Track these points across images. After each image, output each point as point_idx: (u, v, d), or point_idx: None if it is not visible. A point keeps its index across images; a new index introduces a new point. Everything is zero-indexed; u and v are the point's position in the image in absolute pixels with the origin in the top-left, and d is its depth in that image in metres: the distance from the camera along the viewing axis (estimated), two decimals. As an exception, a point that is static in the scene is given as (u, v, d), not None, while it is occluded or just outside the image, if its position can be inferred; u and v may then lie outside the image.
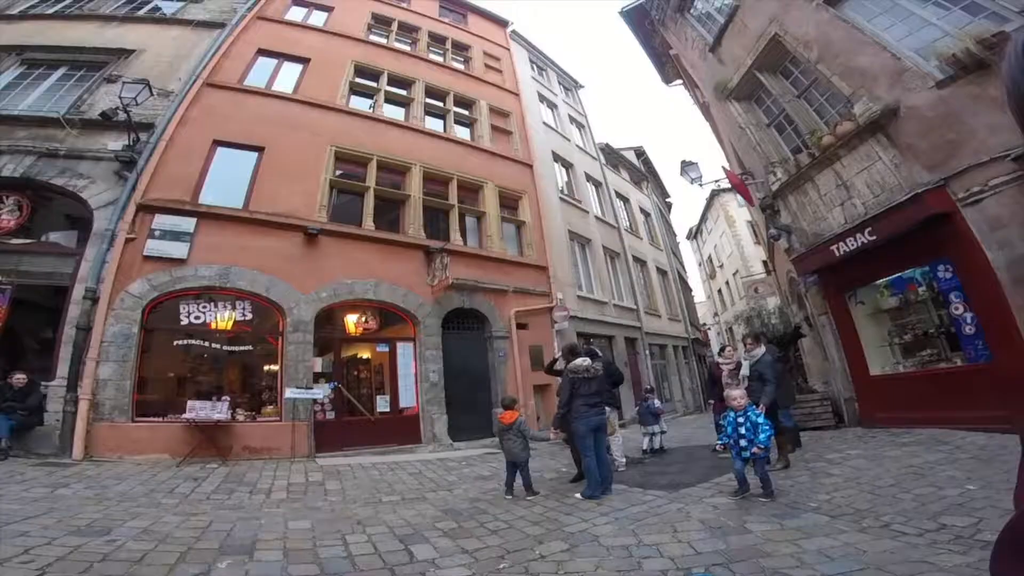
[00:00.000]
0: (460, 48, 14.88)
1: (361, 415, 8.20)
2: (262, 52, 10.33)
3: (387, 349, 9.02)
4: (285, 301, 7.80)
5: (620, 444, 6.23)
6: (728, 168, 10.84)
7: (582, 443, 4.85)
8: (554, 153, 15.22)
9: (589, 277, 14.33)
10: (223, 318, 7.50)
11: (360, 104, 11.03)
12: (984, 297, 5.53)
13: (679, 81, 14.25)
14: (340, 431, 7.85)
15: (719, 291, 33.62)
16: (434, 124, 12.13)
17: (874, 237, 6.55)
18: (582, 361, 5.06)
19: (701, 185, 9.86)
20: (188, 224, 7.57)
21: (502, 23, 17.38)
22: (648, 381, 14.06)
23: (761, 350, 5.55)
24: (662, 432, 7.48)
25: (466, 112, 13.16)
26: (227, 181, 8.33)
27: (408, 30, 13.92)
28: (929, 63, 6.06)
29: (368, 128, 10.47)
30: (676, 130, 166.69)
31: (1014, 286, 5.18)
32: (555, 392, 6.43)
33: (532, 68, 17.71)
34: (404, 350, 9.01)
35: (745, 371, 5.61)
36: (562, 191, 14.69)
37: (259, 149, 8.84)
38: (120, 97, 7.29)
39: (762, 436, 4.15)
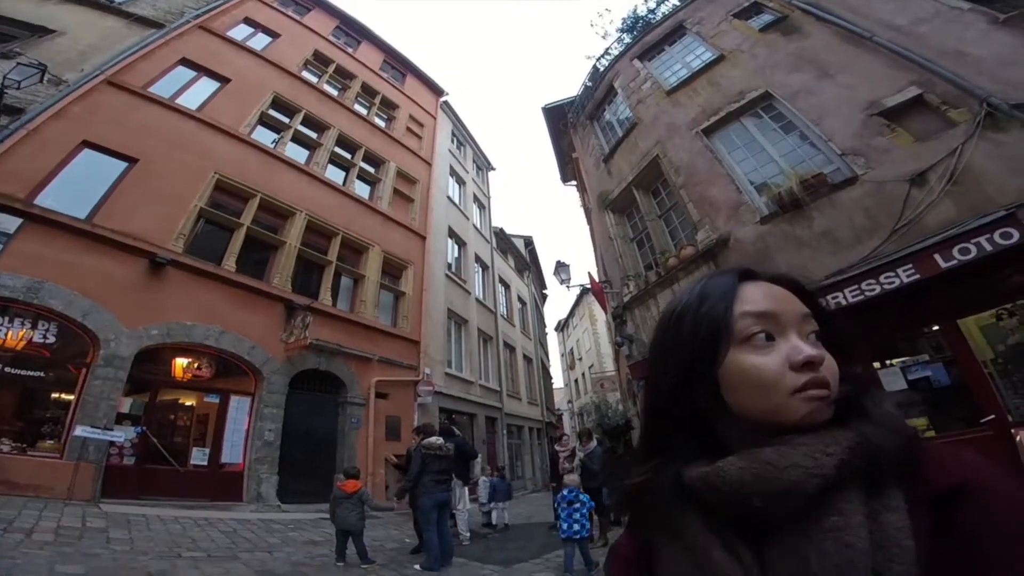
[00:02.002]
0: (388, 106, 15.38)
1: (168, 465, 7.11)
2: (185, 62, 9.88)
3: (217, 400, 8.15)
4: (103, 332, 6.78)
5: (466, 519, 6.48)
6: (593, 274, 12.33)
7: (426, 517, 5.00)
8: (451, 228, 15.90)
9: (461, 356, 14.67)
10: (14, 336, 6.26)
11: (263, 137, 10.75)
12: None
13: (574, 182, 16.13)
14: (138, 478, 6.79)
15: (576, 380, 36.21)
16: (335, 175, 12.13)
17: None
18: (435, 440, 5.35)
19: (568, 288, 11.10)
20: (10, 224, 6.50)
21: (438, 92, 18.32)
22: (502, 459, 14.34)
23: (593, 444, 6.56)
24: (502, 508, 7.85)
25: (372, 170, 13.39)
26: (79, 187, 7.42)
27: (343, 75, 14.20)
28: (760, 199, 7.47)
29: (262, 163, 10.18)
30: (564, 227, 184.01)
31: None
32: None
33: (452, 141, 18.61)
34: (239, 404, 8.28)
35: (577, 462, 6.37)
36: (450, 268, 15.26)
37: (132, 160, 8.11)
38: (4, 76, 6.55)
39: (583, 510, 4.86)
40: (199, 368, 8.14)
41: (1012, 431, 4.65)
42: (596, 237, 13.02)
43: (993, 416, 4.84)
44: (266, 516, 7.05)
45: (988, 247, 4.87)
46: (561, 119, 13.82)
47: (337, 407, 9.73)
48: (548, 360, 29.07)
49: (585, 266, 53.49)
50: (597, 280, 11.59)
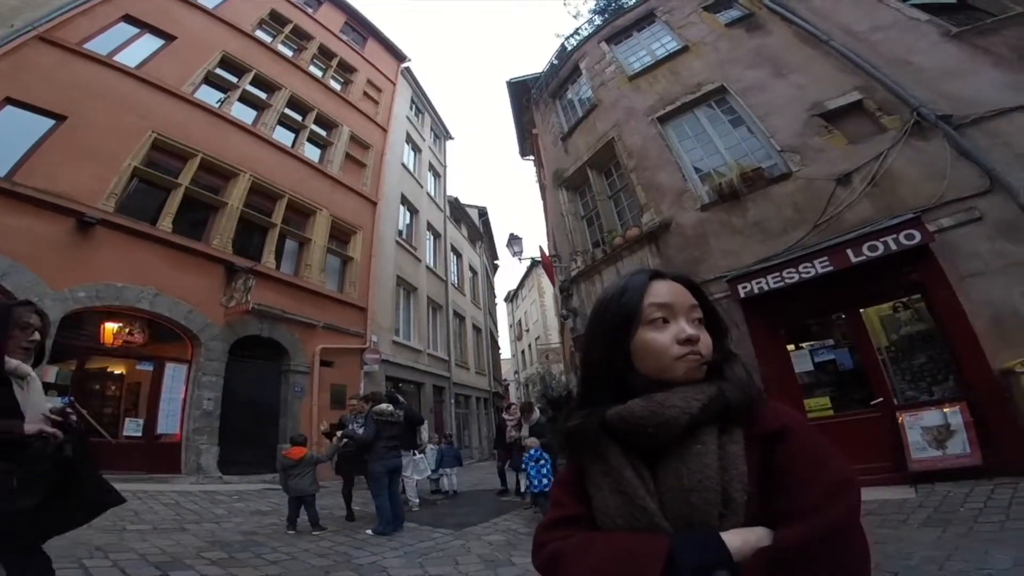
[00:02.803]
0: (346, 69, 14.95)
1: (100, 437, 6.90)
2: (127, 18, 9.20)
3: (151, 368, 7.90)
4: (25, 293, 6.35)
5: (414, 485, 6.79)
6: (544, 248, 12.65)
7: (378, 483, 5.19)
8: (403, 195, 15.77)
9: (409, 324, 14.76)
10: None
11: (208, 96, 10.22)
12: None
13: (532, 157, 16.35)
14: (66, 452, 6.48)
15: (523, 351, 37.18)
16: (284, 137, 11.73)
17: None
18: (386, 406, 5.51)
19: (520, 260, 11.36)
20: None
21: (399, 57, 17.85)
22: (450, 428, 14.79)
23: (536, 415, 7.02)
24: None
25: (324, 134, 13.04)
26: (-1, 145, 6.79)
27: (301, 36, 13.64)
28: (703, 187, 8.04)
29: (206, 123, 9.72)
30: (518, 200, 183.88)
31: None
32: None
33: (411, 108, 18.39)
34: (175, 372, 8.07)
35: (525, 432, 6.78)
36: (401, 234, 15.16)
37: (60, 118, 7.53)
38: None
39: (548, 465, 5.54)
40: (131, 333, 7.81)
41: (896, 413, 5.44)
42: (549, 212, 13.32)
43: (882, 399, 5.65)
44: (208, 488, 7.04)
45: (893, 246, 5.55)
46: (524, 94, 13.90)
47: (280, 375, 9.65)
48: (497, 331, 29.63)
49: (537, 239, 54.62)
50: (548, 254, 11.93)
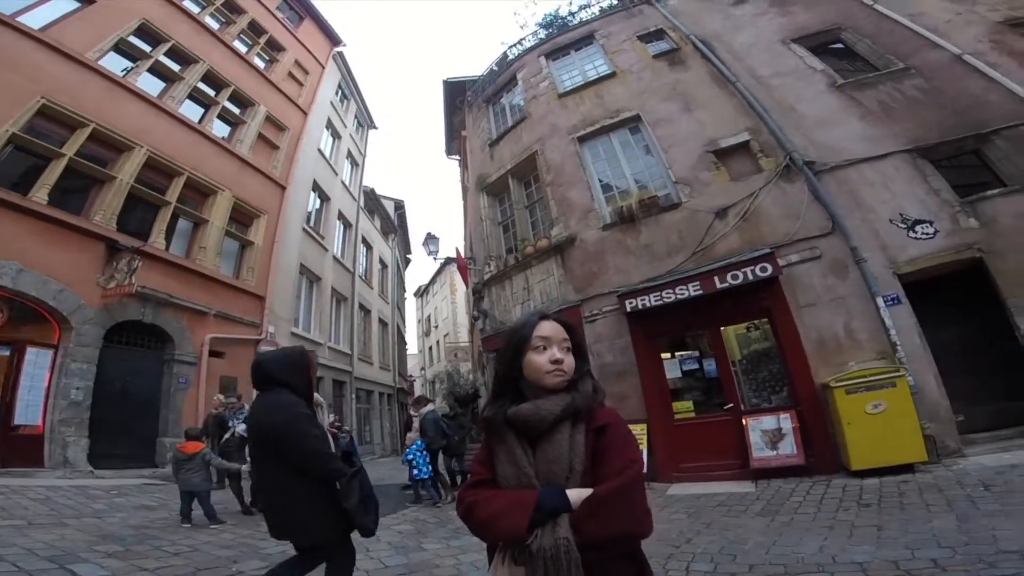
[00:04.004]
0: (274, 47, 14.49)
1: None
2: None
3: (8, 353, 7.26)
4: None
5: None
6: (461, 249, 13.14)
7: None
8: (316, 182, 15.49)
9: (310, 315, 14.50)
10: None
11: (115, 64, 9.58)
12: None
13: (457, 158, 16.85)
14: None
15: (430, 348, 37.35)
16: (193, 112, 11.20)
17: None
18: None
19: (435, 259, 11.75)
20: None
21: (334, 41, 17.56)
22: (350, 423, 14.78)
23: (426, 408, 7.65)
24: None
25: (238, 111, 12.56)
26: None
27: (232, 10, 13.02)
28: (607, 208, 8.94)
29: (105, 92, 9.10)
30: (438, 198, 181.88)
31: (599, 380, 8.09)
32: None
33: (337, 93, 18.26)
34: (38, 358, 7.50)
35: (415, 424, 7.48)
36: (308, 222, 14.86)
37: None
38: None
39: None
40: (-18, 312, 7.12)
41: (742, 418, 6.72)
42: (469, 215, 13.82)
43: (732, 404, 6.93)
44: (79, 483, 6.67)
45: (751, 276, 6.81)
46: (459, 95, 14.31)
47: (163, 364, 9.22)
48: (404, 326, 29.56)
49: (453, 237, 55.38)
50: (463, 256, 12.44)
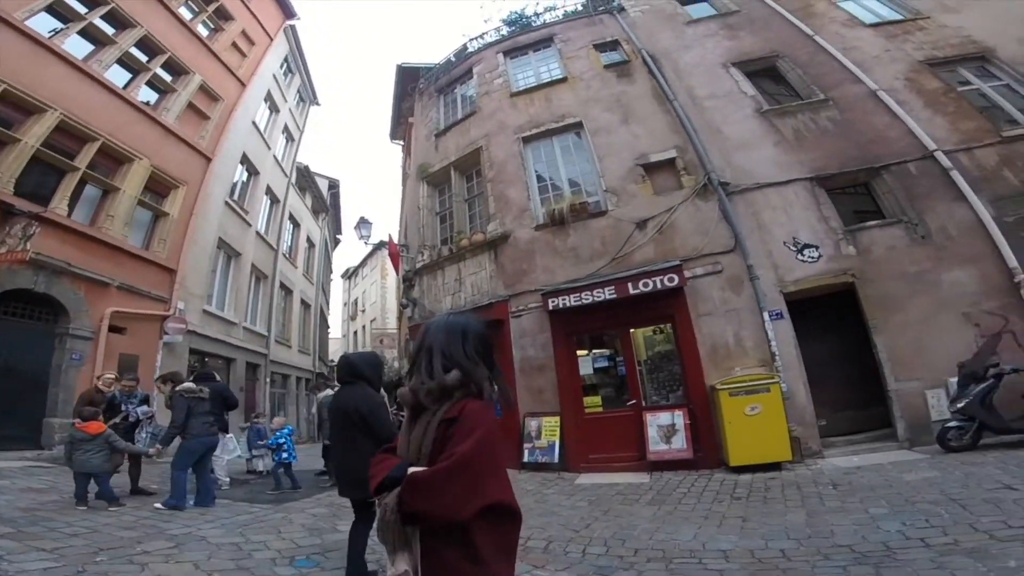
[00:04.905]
0: (222, 16, 13.99)
1: None
2: None
3: None
4: None
5: (224, 464, 7.00)
6: (394, 236, 13.23)
7: (185, 459, 5.41)
8: (245, 155, 15.04)
9: (225, 293, 14.03)
10: None
11: (41, 24, 9.03)
12: (504, 378, 8.92)
13: (401, 143, 16.82)
14: None
15: (355, 332, 36.73)
16: (119, 76, 10.70)
17: None
18: (190, 384, 5.74)
19: (367, 243, 11.78)
20: None
21: (288, 13, 17.16)
22: (263, 408, 14.49)
23: (324, 393, 7.74)
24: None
25: (170, 79, 12.04)
26: None
27: None
28: (541, 209, 9.44)
29: (26, 52, 8.54)
30: (376, 180, 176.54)
31: (520, 373, 8.75)
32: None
33: (282, 66, 17.85)
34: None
35: (314, 409, 7.49)
36: (232, 195, 14.35)
37: None
38: None
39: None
40: None
41: (643, 413, 7.50)
42: (407, 202, 13.93)
43: (635, 401, 7.69)
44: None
45: (659, 285, 7.58)
46: (412, 82, 14.34)
47: (54, 339, 8.69)
48: (328, 308, 28.95)
49: (387, 223, 54.72)
50: (396, 243, 12.54)
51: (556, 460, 7.72)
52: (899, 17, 10.10)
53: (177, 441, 5.55)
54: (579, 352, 8.43)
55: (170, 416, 5.56)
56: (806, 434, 6.79)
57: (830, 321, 7.45)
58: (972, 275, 6.94)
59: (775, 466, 6.32)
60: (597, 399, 8.09)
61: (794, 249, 7.68)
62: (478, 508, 1.15)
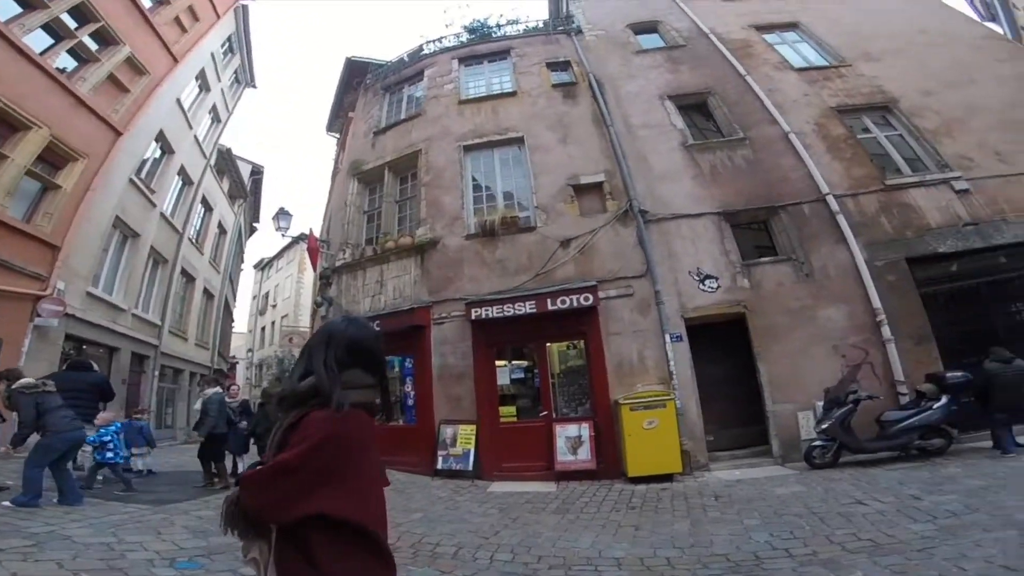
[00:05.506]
0: None
1: None
2: None
3: None
4: None
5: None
6: (316, 230, 12.87)
7: (43, 456, 5.01)
8: (161, 132, 14.23)
9: (116, 275, 12.95)
10: None
11: None
12: (421, 384, 9.06)
13: (337, 136, 16.45)
14: None
15: (264, 328, 34.83)
16: (39, 41, 10.02)
17: (378, 328, 9.32)
18: (27, 380, 5.24)
19: (284, 235, 11.41)
20: None
21: None
22: (149, 403, 13.52)
23: (212, 390, 7.51)
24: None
25: (95, 48, 11.29)
26: None
27: None
28: (473, 219, 9.60)
29: None
30: (305, 173, 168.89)
31: (439, 381, 8.85)
32: None
33: (223, 45, 17.22)
34: None
35: (198, 405, 7.42)
36: (139, 173, 13.44)
37: None
38: None
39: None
40: None
41: (553, 424, 7.94)
42: (333, 197, 13.62)
43: (546, 412, 8.11)
44: None
45: (575, 303, 8.11)
46: (359, 76, 14.21)
47: None
48: (235, 300, 27.31)
49: (309, 217, 52.75)
50: (317, 238, 12.21)
51: (470, 468, 7.91)
52: (824, 63, 11.18)
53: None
54: (498, 362, 8.73)
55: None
56: (695, 448, 7.50)
57: (723, 346, 8.27)
58: (843, 312, 8.01)
59: (667, 477, 6.93)
60: (513, 409, 8.42)
61: (697, 279, 8.47)
62: (301, 514, 1.17)
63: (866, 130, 9.93)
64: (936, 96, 9.99)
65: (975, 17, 17.51)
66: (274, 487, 1.20)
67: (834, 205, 8.65)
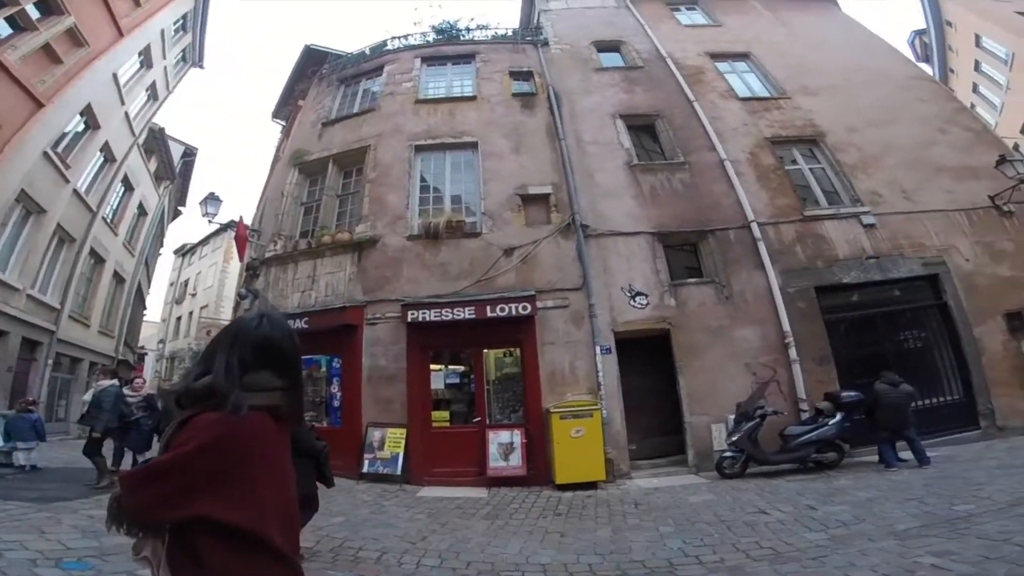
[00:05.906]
0: None
1: None
2: None
3: None
4: None
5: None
6: (247, 219, 12.29)
7: None
8: (89, 106, 13.37)
9: (12, 253, 11.84)
10: None
11: None
12: (350, 385, 8.89)
13: (283, 123, 15.79)
14: None
15: (179, 318, 32.71)
16: None
17: (307, 326, 8.74)
18: None
19: (210, 222, 10.86)
20: None
21: None
22: (39, 394, 12.43)
23: (107, 383, 7.10)
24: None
25: (37, 16, 10.77)
26: None
27: None
28: (417, 220, 9.54)
29: None
30: (243, 159, 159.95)
31: (368, 382, 8.75)
32: None
33: (177, 23, 16.44)
34: None
35: (87, 396, 7.10)
36: (56, 147, 12.49)
37: None
38: None
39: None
40: None
41: (487, 430, 8.07)
42: (270, 185, 13.15)
43: (480, 418, 8.25)
44: None
45: (514, 312, 8.32)
46: (316, 65, 13.84)
47: None
48: (149, 286, 25.48)
49: (241, 204, 49.88)
50: (248, 226, 11.69)
51: (399, 472, 7.87)
52: (766, 95, 11.81)
53: None
54: (433, 366, 8.76)
55: None
56: (619, 457, 7.89)
57: (648, 360, 8.72)
58: (756, 333, 8.68)
59: (592, 485, 7.22)
60: (446, 414, 8.48)
61: (629, 295, 8.92)
62: (181, 517, 1.12)
63: (794, 161, 10.62)
64: (859, 132, 10.83)
65: (911, 57, 19.05)
66: (151, 488, 1.15)
67: (757, 232, 9.28)
